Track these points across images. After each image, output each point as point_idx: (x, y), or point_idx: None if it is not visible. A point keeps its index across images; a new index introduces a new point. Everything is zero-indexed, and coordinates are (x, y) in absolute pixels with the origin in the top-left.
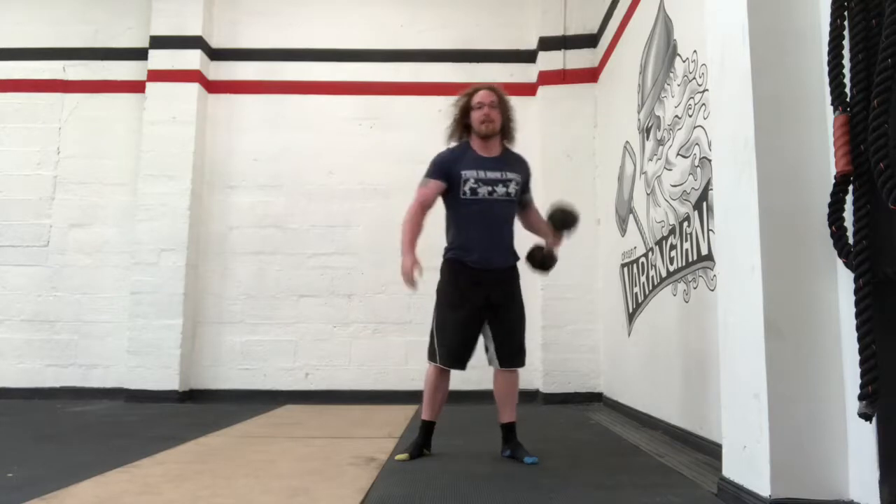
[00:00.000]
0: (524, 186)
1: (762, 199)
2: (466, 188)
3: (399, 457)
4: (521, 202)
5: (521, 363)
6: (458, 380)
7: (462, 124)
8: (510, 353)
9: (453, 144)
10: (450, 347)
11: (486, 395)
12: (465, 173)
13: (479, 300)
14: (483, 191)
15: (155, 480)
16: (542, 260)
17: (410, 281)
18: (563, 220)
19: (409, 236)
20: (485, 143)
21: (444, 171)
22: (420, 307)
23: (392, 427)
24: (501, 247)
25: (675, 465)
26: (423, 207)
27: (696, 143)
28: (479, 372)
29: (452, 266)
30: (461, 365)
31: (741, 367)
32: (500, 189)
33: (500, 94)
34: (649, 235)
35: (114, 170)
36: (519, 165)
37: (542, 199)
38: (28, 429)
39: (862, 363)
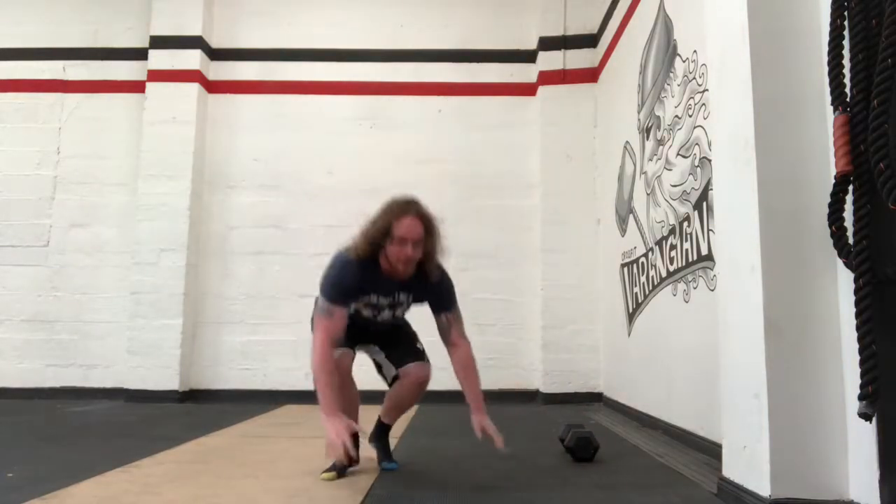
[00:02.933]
0: (431, 302)
1: (762, 199)
2: (354, 308)
3: (325, 476)
4: (440, 327)
5: (422, 357)
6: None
7: (376, 245)
8: (403, 355)
9: (356, 257)
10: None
11: (485, 396)
12: (360, 299)
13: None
14: (369, 313)
15: (155, 480)
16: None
17: (341, 451)
18: (578, 447)
19: (329, 390)
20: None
21: (350, 296)
22: (421, 307)
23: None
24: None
25: (675, 465)
26: (333, 342)
27: (696, 143)
28: None
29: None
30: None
31: (741, 367)
32: (386, 315)
33: (428, 224)
34: (649, 235)
35: (114, 170)
36: (424, 289)
37: (543, 199)
38: (28, 429)
39: (862, 363)
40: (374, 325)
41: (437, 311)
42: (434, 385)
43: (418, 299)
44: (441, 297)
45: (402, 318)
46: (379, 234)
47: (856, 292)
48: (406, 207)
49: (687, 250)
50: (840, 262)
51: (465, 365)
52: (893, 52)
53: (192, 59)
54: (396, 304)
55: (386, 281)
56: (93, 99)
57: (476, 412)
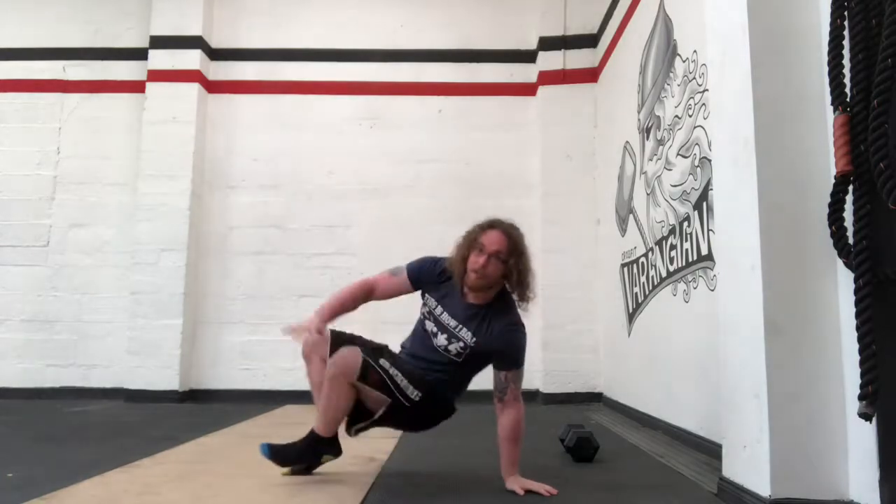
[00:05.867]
0: (491, 359)
1: (762, 199)
2: (423, 311)
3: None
4: (497, 383)
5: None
6: None
7: (463, 259)
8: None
9: (446, 265)
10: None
11: (486, 395)
12: (429, 298)
13: None
14: (430, 327)
15: (155, 480)
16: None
17: (299, 337)
18: (580, 447)
19: (338, 304)
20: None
21: (421, 279)
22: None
23: None
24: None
25: (675, 465)
26: (367, 289)
27: (696, 143)
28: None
29: None
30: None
31: (741, 367)
32: (441, 340)
33: (515, 243)
34: (649, 235)
35: (114, 170)
36: (490, 331)
37: (543, 199)
38: (28, 429)
39: (862, 363)
40: (430, 363)
41: (499, 367)
42: None
43: (484, 349)
44: (507, 352)
45: (457, 358)
46: (467, 245)
47: (856, 292)
48: (497, 222)
49: (687, 250)
50: (840, 262)
51: (514, 430)
52: (893, 52)
53: (192, 59)
54: (455, 336)
55: (459, 303)
56: (93, 99)
57: (514, 477)
